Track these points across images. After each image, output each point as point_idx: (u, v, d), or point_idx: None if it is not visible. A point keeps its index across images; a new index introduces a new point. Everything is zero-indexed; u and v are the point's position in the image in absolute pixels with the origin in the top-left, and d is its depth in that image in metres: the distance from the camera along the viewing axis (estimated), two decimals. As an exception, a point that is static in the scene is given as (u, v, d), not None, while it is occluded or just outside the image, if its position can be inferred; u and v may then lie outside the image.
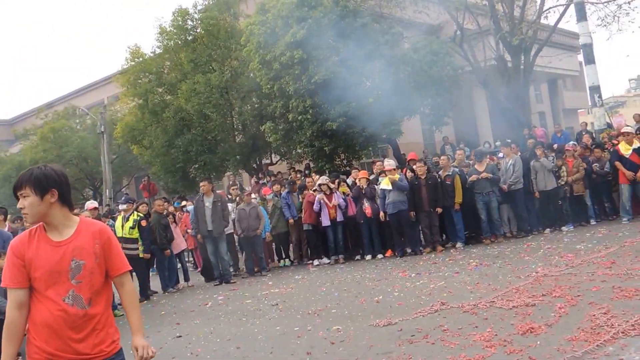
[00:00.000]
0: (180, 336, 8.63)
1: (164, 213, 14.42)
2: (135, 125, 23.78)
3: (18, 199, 3.40)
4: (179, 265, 14.99)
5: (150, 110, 23.01)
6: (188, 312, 10.67)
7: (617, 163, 13.19)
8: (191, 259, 17.79)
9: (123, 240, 12.25)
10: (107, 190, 26.48)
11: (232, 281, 13.69)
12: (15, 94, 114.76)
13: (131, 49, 23.89)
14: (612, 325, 5.70)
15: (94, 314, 3.40)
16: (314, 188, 14.85)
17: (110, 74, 34.25)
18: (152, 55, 23.86)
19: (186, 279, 14.68)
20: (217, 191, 15.69)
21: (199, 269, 15.71)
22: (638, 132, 14.32)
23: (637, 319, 5.71)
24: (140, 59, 23.71)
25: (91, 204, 13.49)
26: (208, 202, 13.77)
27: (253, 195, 15.46)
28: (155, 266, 14.33)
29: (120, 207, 13.78)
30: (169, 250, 13.70)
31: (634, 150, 13.11)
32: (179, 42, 22.92)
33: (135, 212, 13.15)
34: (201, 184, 14.26)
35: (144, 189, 25.97)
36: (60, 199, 3.42)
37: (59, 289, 3.32)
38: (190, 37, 22.84)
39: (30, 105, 79.57)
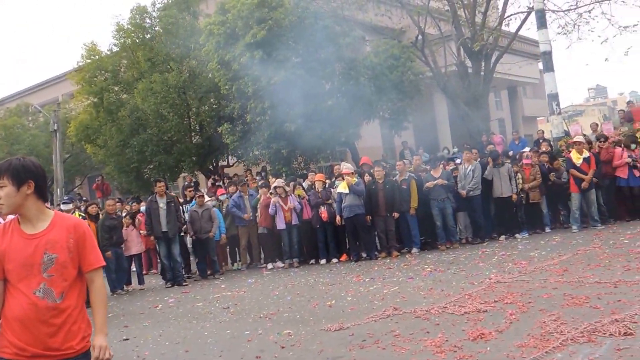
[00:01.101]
0: (127, 339, 8.49)
1: (116, 214, 14.20)
2: (89, 124, 23.40)
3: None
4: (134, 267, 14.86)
5: (105, 109, 22.71)
6: (137, 315, 10.53)
7: (573, 170, 13.46)
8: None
9: None
10: (59, 190, 26.07)
11: (184, 283, 13.58)
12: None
13: (87, 46, 23.57)
14: (562, 332, 5.74)
15: (65, 308, 3.37)
16: (275, 185, 14.82)
17: (65, 71, 33.70)
18: (108, 53, 23.57)
19: (140, 282, 14.43)
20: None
21: (154, 271, 15.56)
22: (600, 141, 14.59)
23: (586, 327, 5.77)
24: (97, 57, 23.39)
25: None
26: (162, 203, 13.67)
27: (209, 197, 15.31)
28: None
29: (63, 207, 13.55)
30: (109, 253, 13.23)
31: (584, 159, 13.43)
32: (137, 41, 22.71)
33: (77, 212, 12.91)
34: (158, 184, 14.11)
35: (97, 189, 25.71)
36: (36, 192, 3.42)
37: (30, 282, 3.31)
38: (148, 36, 22.68)
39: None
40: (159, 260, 15.47)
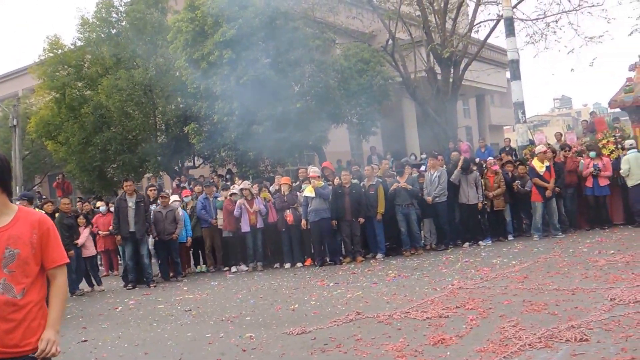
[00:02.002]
0: (85, 340, 8.43)
1: (72, 213, 14.03)
2: (50, 120, 23.03)
3: None
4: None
5: (67, 105, 22.36)
6: (96, 316, 10.45)
7: (536, 179, 13.88)
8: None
9: None
10: (18, 188, 25.64)
11: (152, 285, 13.47)
12: None
13: (50, 40, 23.21)
14: (520, 337, 5.91)
15: (25, 304, 3.33)
16: (232, 192, 14.85)
17: (26, 65, 33.11)
18: (72, 47, 23.25)
19: (98, 283, 14.23)
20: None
21: (116, 272, 15.45)
22: (565, 150, 15.04)
23: (544, 332, 5.95)
24: (60, 51, 23.06)
25: None
26: (131, 203, 13.57)
27: (175, 198, 15.27)
28: None
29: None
30: (72, 252, 13.00)
31: (547, 168, 13.88)
32: (102, 35, 22.51)
33: None
34: (126, 183, 14.05)
35: (58, 187, 25.20)
36: (0, 185, 3.41)
37: None
38: (114, 31, 22.48)
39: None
40: (120, 262, 15.39)
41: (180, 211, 14.67)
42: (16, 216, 3.42)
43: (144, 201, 13.77)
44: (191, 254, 15.90)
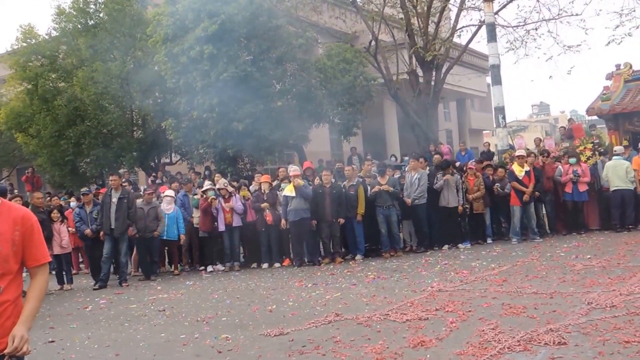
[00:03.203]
0: (53, 341, 8.31)
1: (44, 208, 13.96)
2: (21, 112, 22.74)
3: None
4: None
5: (40, 96, 22.14)
6: (64, 316, 10.32)
7: (514, 183, 14.21)
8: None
9: None
10: None
11: (124, 284, 13.40)
12: None
13: (23, 28, 23.01)
14: (499, 340, 6.01)
15: (2, 302, 3.27)
16: (204, 188, 14.88)
17: None
18: (46, 37, 23.10)
19: (69, 281, 14.12)
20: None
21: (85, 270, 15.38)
22: (544, 155, 15.40)
23: (522, 335, 6.06)
24: (33, 40, 22.86)
25: None
26: (115, 198, 13.52)
27: (170, 193, 15.05)
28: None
29: None
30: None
31: (526, 173, 14.22)
32: (79, 26, 22.33)
33: None
34: (111, 178, 14.13)
35: (27, 181, 24.87)
36: None
37: None
38: (92, 22, 22.28)
39: None
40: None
41: (174, 207, 14.58)
42: None
43: (127, 198, 13.68)
44: (166, 253, 15.83)
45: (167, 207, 14.54)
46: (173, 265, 15.08)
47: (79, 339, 8.27)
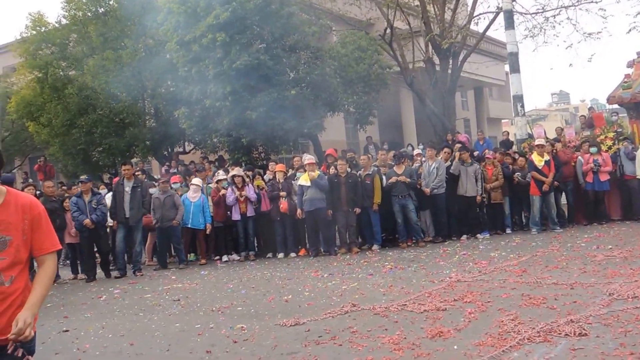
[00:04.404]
0: (67, 330, 8.36)
1: (56, 197, 14.11)
2: (32, 100, 22.89)
3: None
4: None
5: (50, 85, 22.24)
6: (78, 306, 10.39)
7: (534, 173, 14.20)
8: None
9: None
10: None
11: (139, 274, 13.49)
12: None
13: (33, 16, 23.05)
14: (519, 331, 6.03)
15: (12, 292, 3.30)
16: (218, 178, 14.98)
17: (7, 42, 32.77)
18: (56, 25, 23.11)
19: (83, 271, 14.13)
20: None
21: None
22: (556, 142, 15.42)
23: (542, 326, 6.07)
24: (43, 28, 22.93)
25: None
26: (128, 187, 13.62)
27: (197, 182, 15.09)
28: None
29: None
30: None
31: (545, 162, 14.22)
32: (89, 14, 22.39)
33: None
34: (124, 167, 14.19)
35: (39, 170, 25.06)
36: None
37: None
38: (102, 10, 22.33)
39: None
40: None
41: (201, 195, 14.61)
42: (6, 199, 3.33)
43: (141, 186, 13.79)
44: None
45: (193, 195, 14.59)
46: (200, 255, 15.02)
47: (93, 329, 8.32)
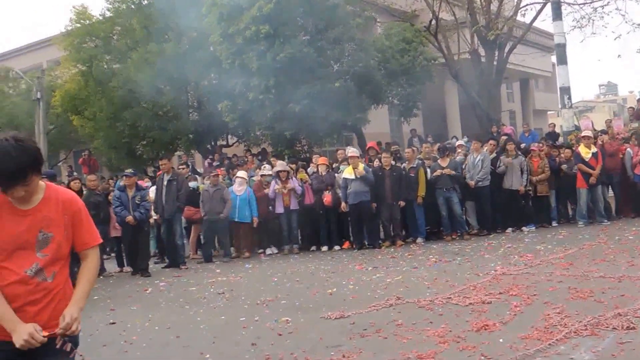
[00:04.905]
0: (114, 323, 8.52)
1: (100, 190, 14.30)
2: (77, 94, 23.22)
3: (9, 187, 3.13)
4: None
5: (95, 78, 22.51)
6: (125, 298, 10.56)
7: (581, 165, 14.08)
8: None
9: None
10: None
11: (182, 267, 13.59)
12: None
13: (77, 9, 23.36)
14: (565, 325, 6.06)
15: (55, 286, 3.32)
16: (262, 172, 15.11)
17: (50, 36, 32.98)
18: (100, 18, 23.36)
19: (128, 264, 14.21)
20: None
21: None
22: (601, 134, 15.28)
23: (589, 320, 6.10)
24: (87, 22, 23.19)
25: None
26: (166, 181, 13.84)
27: (242, 174, 15.20)
28: None
29: None
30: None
31: (593, 154, 14.09)
32: (132, 7, 22.68)
33: None
34: (161, 162, 14.41)
35: (84, 164, 25.47)
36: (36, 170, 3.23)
37: (22, 261, 3.22)
38: (146, 2, 22.62)
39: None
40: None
41: (246, 189, 14.69)
42: (46, 195, 3.32)
43: (176, 179, 13.89)
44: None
45: (239, 188, 14.67)
46: (245, 249, 15.00)
47: (139, 321, 8.47)
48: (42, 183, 3.34)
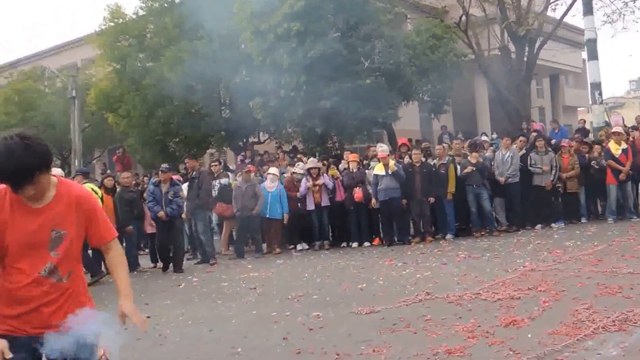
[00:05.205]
0: (148, 317, 8.43)
1: (134, 187, 14.53)
2: (111, 92, 23.35)
3: (21, 186, 3.09)
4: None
5: (128, 76, 22.68)
6: (158, 293, 10.73)
7: (611, 161, 14.00)
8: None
9: None
10: (77, 161, 26.18)
11: (212, 262, 13.67)
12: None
13: (110, 8, 23.57)
14: (594, 320, 6.10)
15: (70, 286, 3.33)
16: (293, 170, 15.23)
17: (85, 34, 33.24)
18: (134, 16, 23.56)
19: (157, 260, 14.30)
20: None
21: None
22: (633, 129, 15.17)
23: (618, 316, 6.12)
24: (121, 20, 23.42)
25: (55, 171, 13.05)
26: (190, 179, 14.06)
27: (273, 171, 15.27)
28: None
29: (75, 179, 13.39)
30: (130, 228, 13.29)
31: (623, 151, 14.03)
32: (165, 5, 22.86)
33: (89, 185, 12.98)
34: (186, 160, 14.68)
35: (118, 161, 25.62)
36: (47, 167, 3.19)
37: (35, 261, 3.19)
38: (178, 0, 22.75)
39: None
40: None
41: (278, 185, 14.77)
42: (58, 192, 3.27)
43: (198, 178, 13.97)
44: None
45: (271, 185, 14.75)
46: (276, 245, 15.03)
47: (173, 316, 8.66)
48: (54, 179, 3.29)
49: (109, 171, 23.05)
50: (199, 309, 9.00)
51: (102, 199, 12.75)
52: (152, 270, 13.88)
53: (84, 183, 12.60)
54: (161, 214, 12.96)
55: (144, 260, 14.64)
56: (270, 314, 8.11)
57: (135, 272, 13.42)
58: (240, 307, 8.83)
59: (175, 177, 14.95)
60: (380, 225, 14.77)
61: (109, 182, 13.79)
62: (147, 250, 15.59)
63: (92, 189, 12.42)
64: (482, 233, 14.05)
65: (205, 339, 7.25)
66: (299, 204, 14.84)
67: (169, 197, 13.05)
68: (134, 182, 15.72)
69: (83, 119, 27.82)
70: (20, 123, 28.74)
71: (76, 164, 25.68)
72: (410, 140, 18.94)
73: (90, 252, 14.51)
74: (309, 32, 17.19)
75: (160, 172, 13.70)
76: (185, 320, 8.36)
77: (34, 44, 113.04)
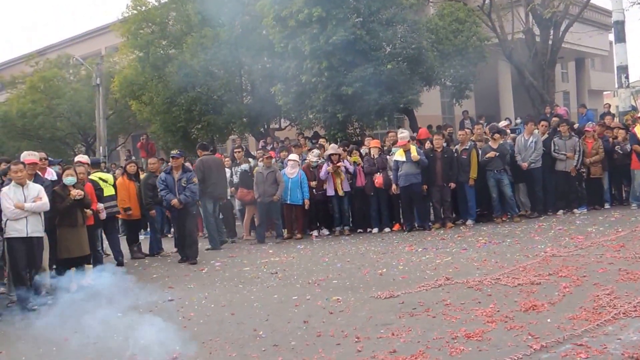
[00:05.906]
0: (172, 300, 8.86)
1: (159, 173, 14.59)
2: (134, 80, 23.50)
3: None
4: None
5: (151, 64, 22.77)
6: (182, 277, 10.92)
7: (636, 146, 13.68)
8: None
9: (109, 198, 12.51)
10: (101, 148, 26.49)
11: (221, 248, 13.90)
12: (3, 39, 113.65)
13: (133, -4, 23.57)
14: (615, 306, 6.08)
15: None
16: (308, 158, 15.29)
17: (109, 23, 33.21)
18: (156, 4, 23.63)
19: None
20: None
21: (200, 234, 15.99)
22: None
23: (639, 301, 6.09)
24: (143, 8, 23.37)
25: (81, 157, 13.13)
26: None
27: (294, 157, 15.26)
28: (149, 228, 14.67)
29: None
30: (154, 211, 13.64)
31: None
32: (187, -8, 22.74)
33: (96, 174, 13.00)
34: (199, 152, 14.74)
35: (142, 148, 25.95)
36: None
37: None
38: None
39: (20, 52, 78.50)
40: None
41: (299, 171, 14.78)
42: None
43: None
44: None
45: (291, 171, 14.77)
46: (297, 230, 15.07)
47: (196, 299, 8.83)
48: None
49: (133, 157, 23.17)
50: (221, 293, 9.16)
51: (114, 186, 12.98)
52: (175, 255, 13.91)
53: (94, 173, 12.74)
54: (174, 201, 12.55)
55: (168, 245, 14.79)
56: (291, 298, 8.24)
57: (159, 257, 13.73)
58: (262, 291, 8.97)
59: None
60: (401, 211, 14.72)
61: (131, 167, 13.99)
62: (170, 235, 15.73)
63: (100, 178, 12.55)
64: (503, 219, 13.96)
65: (227, 322, 7.38)
66: (314, 190, 14.90)
67: (182, 184, 12.64)
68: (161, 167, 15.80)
69: (107, 106, 28.23)
70: (45, 110, 29.18)
71: (101, 150, 26.09)
72: (429, 127, 18.84)
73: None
74: (330, 18, 17.05)
75: (171, 159, 13.26)
76: (209, 303, 8.52)
77: (59, 32, 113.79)
